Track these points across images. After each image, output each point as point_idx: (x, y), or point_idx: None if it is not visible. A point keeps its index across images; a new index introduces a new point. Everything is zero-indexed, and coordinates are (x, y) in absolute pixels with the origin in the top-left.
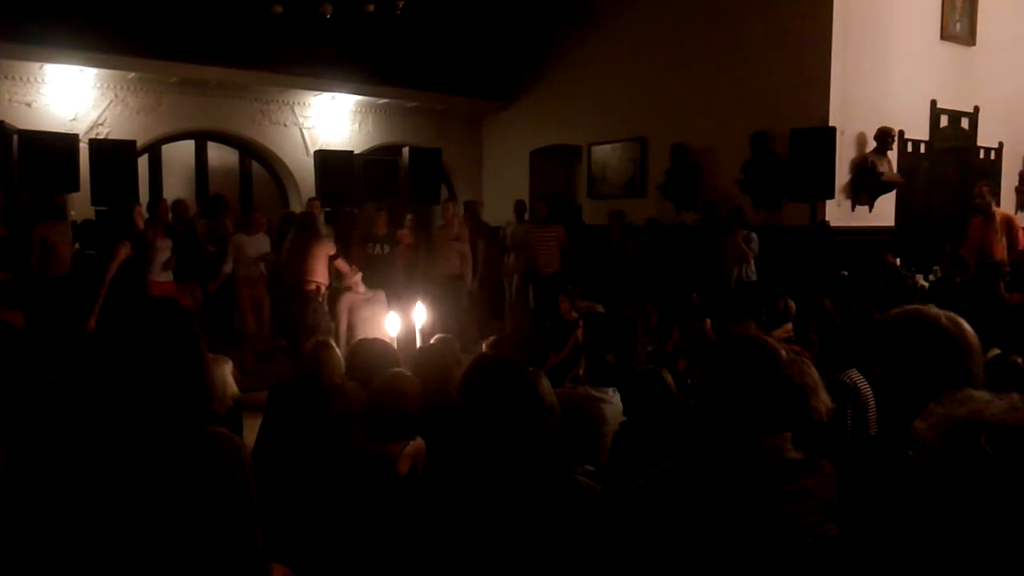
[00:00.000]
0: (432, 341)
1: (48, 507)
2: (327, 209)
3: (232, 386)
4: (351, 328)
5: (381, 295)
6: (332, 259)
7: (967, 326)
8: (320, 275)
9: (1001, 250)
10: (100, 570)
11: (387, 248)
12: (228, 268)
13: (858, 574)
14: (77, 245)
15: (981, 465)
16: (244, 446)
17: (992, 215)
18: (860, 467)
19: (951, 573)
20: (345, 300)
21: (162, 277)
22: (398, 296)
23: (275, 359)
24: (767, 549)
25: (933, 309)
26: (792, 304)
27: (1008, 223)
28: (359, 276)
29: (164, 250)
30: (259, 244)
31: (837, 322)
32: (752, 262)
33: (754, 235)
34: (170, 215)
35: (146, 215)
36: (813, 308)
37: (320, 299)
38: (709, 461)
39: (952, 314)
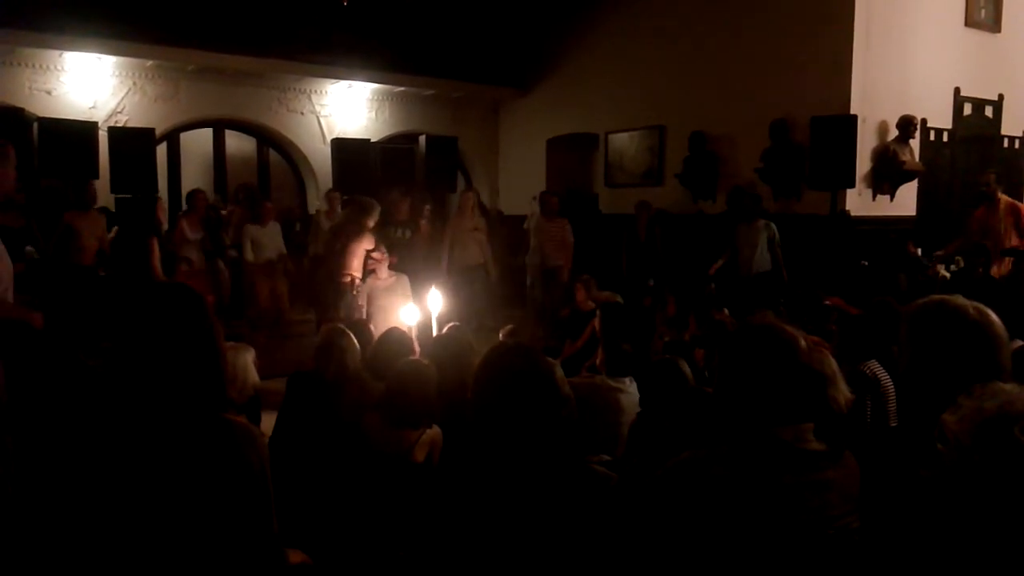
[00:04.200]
0: (444, 330)
1: (65, 493)
2: (344, 197)
3: (253, 375)
4: (369, 316)
5: (404, 280)
6: (369, 252)
7: (994, 317)
8: (356, 269)
9: (1010, 238)
10: (115, 556)
11: (408, 233)
12: (249, 257)
13: (881, 566)
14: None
15: (1014, 457)
16: (260, 434)
17: (996, 202)
18: (881, 459)
19: (984, 564)
20: (365, 287)
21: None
22: (419, 283)
23: (293, 345)
24: (788, 541)
25: (959, 299)
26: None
27: (1014, 211)
28: (386, 261)
29: (196, 241)
30: (271, 233)
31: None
32: (764, 252)
33: (772, 224)
34: (204, 206)
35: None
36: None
37: (355, 292)
38: (728, 451)
39: (979, 304)
